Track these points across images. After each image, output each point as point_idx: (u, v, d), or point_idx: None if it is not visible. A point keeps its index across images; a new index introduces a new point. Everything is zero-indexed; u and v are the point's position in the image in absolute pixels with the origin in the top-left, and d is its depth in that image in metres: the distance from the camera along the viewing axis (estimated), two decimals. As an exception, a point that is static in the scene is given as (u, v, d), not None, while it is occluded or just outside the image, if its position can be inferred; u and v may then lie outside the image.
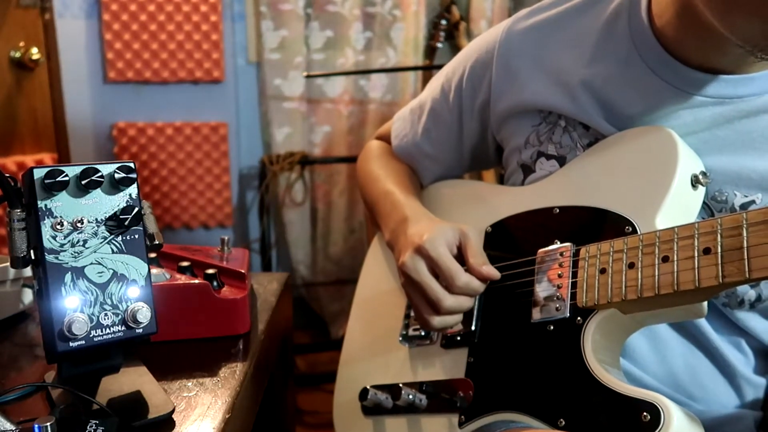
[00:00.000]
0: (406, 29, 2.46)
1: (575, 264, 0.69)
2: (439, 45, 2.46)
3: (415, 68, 2.46)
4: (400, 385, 0.78)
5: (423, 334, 0.82)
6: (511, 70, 0.81)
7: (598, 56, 0.74)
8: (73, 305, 0.52)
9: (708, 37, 0.64)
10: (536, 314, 0.70)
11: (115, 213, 0.54)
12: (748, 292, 0.69)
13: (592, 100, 0.74)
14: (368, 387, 0.81)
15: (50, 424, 0.45)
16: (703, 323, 0.71)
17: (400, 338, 0.85)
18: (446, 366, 0.78)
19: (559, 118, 0.78)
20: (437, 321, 0.74)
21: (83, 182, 0.52)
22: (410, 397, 0.76)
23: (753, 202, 0.67)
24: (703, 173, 0.67)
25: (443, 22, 2.43)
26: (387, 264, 0.95)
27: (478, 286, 0.73)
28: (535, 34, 0.80)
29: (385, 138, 1.04)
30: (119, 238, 0.55)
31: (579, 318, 0.66)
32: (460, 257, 0.76)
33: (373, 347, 0.90)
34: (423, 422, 0.77)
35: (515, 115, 0.82)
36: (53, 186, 0.51)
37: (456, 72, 0.90)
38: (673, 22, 0.67)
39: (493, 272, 0.74)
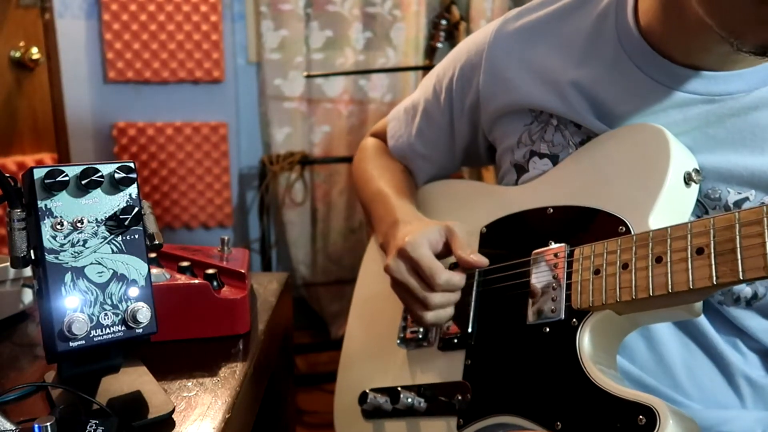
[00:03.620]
0: (406, 29, 2.46)
1: (570, 265, 0.69)
2: (439, 45, 2.46)
3: (415, 68, 2.46)
4: (399, 388, 0.78)
5: (420, 336, 0.82)
6: (500, 71, 0.82)
7: (586, 57, 0.75)
8: (73, 305, 0.52)
9: (692, 32, 0.64)
10: (532, 316, 0.70)
11: (115, 213, 0.54)
12: (743, 289, 0.69)
13: (582, 99, 0.74)
14: (367, 390, 0.81)
15: (50, 424, 0.46)
16: (701, 322, 0.71)
17: (398, 341, 0.85)
18: (444, 368, 0.78)
19: (551, 117, 0.78)
20: (430, 316, 0.75)
21: (83, 182, 0.53)
22: (409, 400, 0.76)
23: (746, 198, 0.67)
24: (696, 170, 0.67)
25: (443, 22, 2.43)
26: (383, 266, 0.95)
27: (459, 280, 0.75)
28: (524, 35, 0.81)
29: (380, 135, 1.05)
30: (119, 238, 0.55)
31: (574, 320, 0.66)
32: (448, 253, 0.77)
33: (372, 350, 0.90)
34: (422, 425, 0.77)
35: (507, 115, 0.83)
36: (53, 186, 0.51)
37: (446, 73, 0.91)
38: (658, 18, 0.68)
39: (481, 260, 0.76)
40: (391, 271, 0.77)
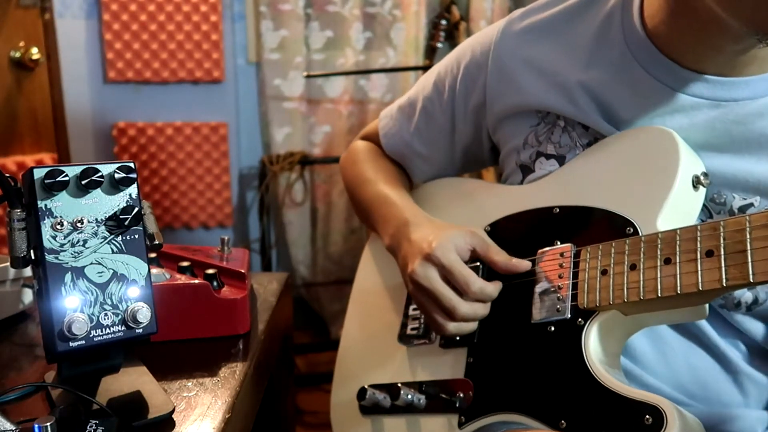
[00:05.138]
0: (406, 29, 2.46)
1: (576, 265, 0.68)
2: (439, 45, 2.46)
3: (415, 68, 2.46)
4: (399, 384, 0.78)
5: (421, 333, 0.82)
6: (507, 72, 0.81)
7: (593, 60, 0.74)
8: (73, 305, 0.52)
9: (703, 35, 0.64)
10: (537, 315, 0.70)
11: (115, 213, 0.54)
12: (744, 294, 0.69)
13: (590, 101, 0.74)
14: (366, 386, 0.80)
15: (50, 424, 0.45)
16: (703, 323, 0.71)
17: (398, 338, 0.85)
18: (445, 366, 0.78)
19: (558, 118, 0.78)
20: (453, 327, 0.73)
21: (83, 182, 0.52)
22: (409, 397, 0.76)
23: (751, 204, 0.67)
24: (704, 174, 0.67)
25: (443, 22, 2.43)
26: (382, 264, 0.95)
27: (492, 290, 0.73)
28: (530, 36, 0.80)
29: (371, 138, 1.03)
30: (119, 238, 0.54)
31: (580, 319, 0.66)
32: (470, 261, 0.75)
33: (371, 347, 0.90)
34: (422, 422, 0.77)
35: (513, 116, 0.82)
36: (53, 186, 0.51)
37: (449, 71, 0.90)
38: (666, 21, 0.67)
39: (524, 264, 0.73)
40: (418, 277, 0.74)
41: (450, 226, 0.79)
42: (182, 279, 0.74)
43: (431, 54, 2.47)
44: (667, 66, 0.68)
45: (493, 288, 0.73)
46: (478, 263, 0.77)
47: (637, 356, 0.72)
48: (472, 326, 0.74)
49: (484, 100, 0.85)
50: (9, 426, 0.51)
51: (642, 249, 0.62)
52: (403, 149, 0.96)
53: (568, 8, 0.78)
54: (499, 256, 0.74)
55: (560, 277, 0.69)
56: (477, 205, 0.85)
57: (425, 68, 2.37)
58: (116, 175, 0.54)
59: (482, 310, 0.73)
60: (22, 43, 2.01)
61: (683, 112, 0.68)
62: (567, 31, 0.78)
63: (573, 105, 0.75)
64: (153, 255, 0.76)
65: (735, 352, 0.73)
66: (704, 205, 0.68)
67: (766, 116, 0.65)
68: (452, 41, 2.44)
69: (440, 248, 0.73)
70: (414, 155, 0.96)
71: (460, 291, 0.72)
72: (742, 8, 0.57)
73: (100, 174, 0.53)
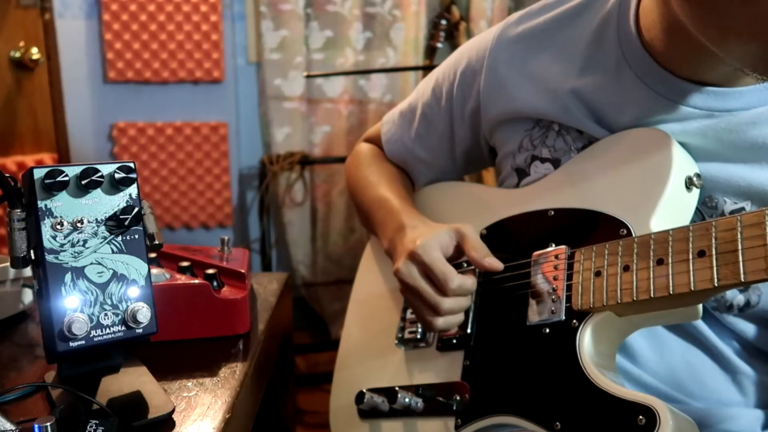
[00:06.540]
0: (406, 29, 2.46)
1: (570, 266, 0.69)
2: (439, 45, 2.46)
3: (415, 68, 2.46)
4: (396, 388, 0.78)
5: (419, 336, 0.82)
6: (500, 78, 0.82)
7: (587, 66, 0.75)
8: (73, 305, 0.52)
9: (698, 55, 0.64)
10: (532, 317, 0.70)
11: (115, 213, 0.54)
12: (736, 297, 0.70)
13: (582, 108, 0.74)
14: (364, 390, 0.80)
15: (50, 424, 0.46)
16: (699, 323, 0.71)
17: (396, 341, 0.85)
18: (442, 369, 0.78)
19: (552, 123, 0.78)
20: (440, 322, 0.74)
21: (83, 182, 0.53)
22: (406, 400, 0.76)
23: (742, 209, 0.67)
24: (697, 175, 0.67)
25: (443, 22, 2.43)
26: (382, 267, 0.95)
27: (471, 285, 0.74)
28: (525, 42, 0.81)
29: (374, 140, 1.04)
30: (119, 238, 0.55)
31: (575, 321, 0.66)
32: (459, 256, 0.76)
33: (369, 350, 0.90)
34: (419, 425, 0.77)
35: (507, 121, 0.83)
36: (53, 186, 0.51)
37: (446, 77, 0.90)
38: (661, 37, 0.67)
39: (496, 263, 0.74)
40: (401, 275, 0.75)
41: (441, 225, 0.79)
42: (182, 279, 0.74)
43: (431, 54, 2.47)
44: (662, 76, 0.68)
45: (472, 282, 0.74)
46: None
47: (635, 355, 0.73)
48: (459, 318, 0.75)
49: (479, 106, 0.85)
50: (9, 426, 0.51)
51: (635, 250, 0.62)
52: (405, 155, 0.97)
53: (563, 13, 0.78)
54: (475, 252, 0.75)
55: (555, 279, 0.69)
56: (474, 208, 0.86)
57: (425, 68, 2.37)
58: (116, 175, 0.54)
59: (465, 302, 0.74)
60: (22, 43, 2.01)
61: (676, 121, 0.69)
62: (562, 37, 0.78)
63: (566, 112, 0.75)
64: (153, 255, 0.76)
65: (733, 351, 0.73)
66: (697, 208, 0.68)
67: (757, 125, 0.66)
68: (452, 41, 2.44)
69: (422, 246, 0.74)
70: (416, 160, 0.96)
71: (440, 288, 0.73)
72: (733, 51, 0.58)
73: (100, 174, 0.53)
